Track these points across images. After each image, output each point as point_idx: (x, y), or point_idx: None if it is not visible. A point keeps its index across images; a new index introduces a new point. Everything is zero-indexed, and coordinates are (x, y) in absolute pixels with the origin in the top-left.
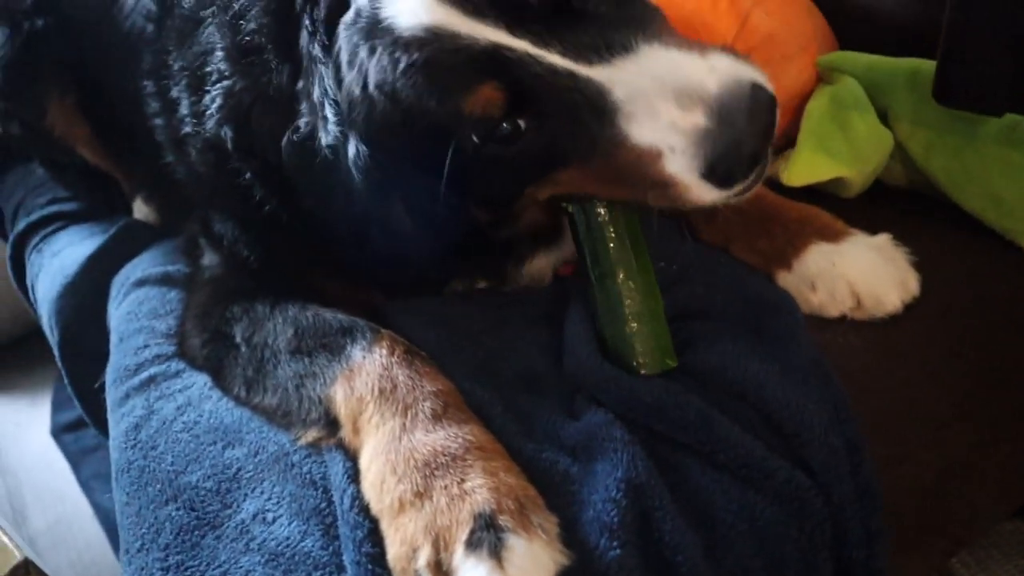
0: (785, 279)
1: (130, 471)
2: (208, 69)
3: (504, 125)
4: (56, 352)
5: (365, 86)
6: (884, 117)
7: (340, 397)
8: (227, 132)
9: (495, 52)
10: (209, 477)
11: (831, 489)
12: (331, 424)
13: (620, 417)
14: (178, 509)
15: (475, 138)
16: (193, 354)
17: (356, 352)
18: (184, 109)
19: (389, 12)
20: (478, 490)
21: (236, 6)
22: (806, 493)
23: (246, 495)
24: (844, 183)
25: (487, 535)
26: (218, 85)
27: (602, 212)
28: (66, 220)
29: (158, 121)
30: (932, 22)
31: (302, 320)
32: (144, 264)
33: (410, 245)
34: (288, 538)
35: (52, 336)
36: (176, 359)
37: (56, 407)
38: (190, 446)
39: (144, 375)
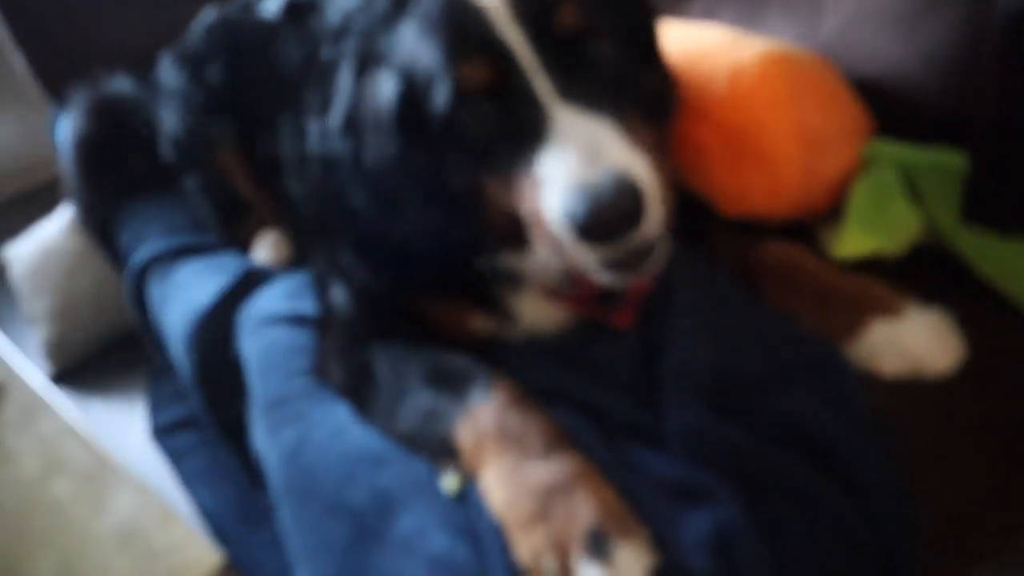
0: (851, 349)
1: (294, 491)
2: (334, 92)
3: (476, 101)
4: (191, 379)
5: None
6: (918, 195)
7: (462, 435)
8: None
9: (507, 50)
10: (367, 496)
11: (883, 525)
12: (454, 453)
13: (709, 459)
14: (343, 523)
15: (451, 94)
16: (337, 387)
17: (476, 395)
18: (311, 131)
19: None
20: (586, 508)
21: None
22: (862, 527)
23: (401, 512)
24: (883, 253)
25: (597, 542)
26: (340, 103)
27: None
28: (185, 252)
29: (289, 148)
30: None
31: (431, 362)
32: (270, 300)
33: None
34: (442, 549)
35: (187, 363)
36: (319, 391)
37: (154, 410)
38: (346, 469)
39: (292, 405)
